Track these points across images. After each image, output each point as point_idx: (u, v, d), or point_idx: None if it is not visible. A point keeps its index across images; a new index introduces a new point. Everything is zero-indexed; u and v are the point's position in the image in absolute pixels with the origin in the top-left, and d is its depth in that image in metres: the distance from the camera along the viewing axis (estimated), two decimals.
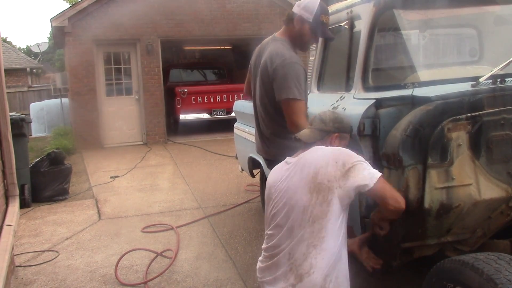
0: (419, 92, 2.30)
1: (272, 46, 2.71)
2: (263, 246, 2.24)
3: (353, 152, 2.09)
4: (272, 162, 2.82)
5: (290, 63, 2.57)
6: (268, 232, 2.20)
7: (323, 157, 2.08)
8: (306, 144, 2.23)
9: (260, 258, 2.26)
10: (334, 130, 2.25)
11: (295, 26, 2.69)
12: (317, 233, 2.02)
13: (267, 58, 2.65)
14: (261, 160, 4.08)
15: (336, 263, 2.04)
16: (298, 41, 2.72)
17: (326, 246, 2.02)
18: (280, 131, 2.71)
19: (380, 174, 2.02)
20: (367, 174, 2.00)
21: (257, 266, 2.26)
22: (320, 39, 3.10)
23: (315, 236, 2.02)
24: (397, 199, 2.03)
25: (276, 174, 2.25)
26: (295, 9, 2.70)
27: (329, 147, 2.17)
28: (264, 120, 2.81)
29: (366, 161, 2.08)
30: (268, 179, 2.32)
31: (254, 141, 4.18)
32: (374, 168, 2.07)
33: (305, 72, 2.67)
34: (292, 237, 2.07)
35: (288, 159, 2.25)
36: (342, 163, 2.03)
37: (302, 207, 2.05)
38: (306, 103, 2.69)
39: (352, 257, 2.38)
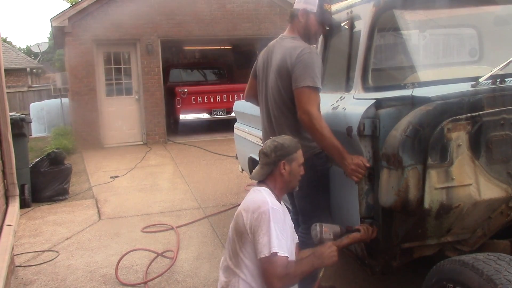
0: (419, 92, 2.30)
1: (286, 43, 2.72)
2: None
3: (269, 212, 2.12)
4: None
5: (310, 52, 2.59)
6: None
7: (251, 202, 2.22)
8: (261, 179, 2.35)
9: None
10: (279, 159, 2.29)
11: (300, 20, 2.72)
12: (235, 262, 2.21)
13: (285, 54, 2.64)
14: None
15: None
16: (307, 34, 2.74)
17: (244, 276, 2.19)
18: (296, 127, 2.69)
19: (269, 253, 2.06)
20: (260, 246, 2.09)
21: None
22: (320, 40, 3.10)
23: (234, 263, 2.22)
24: (268, 284, 2.10)
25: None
26: (297, 5, 2.74)
27: (262, 195, 2.22)
28: (278, 119, 2.76)
29: (274, 228, 2.09)
30: None
31: (255, 142, 4.20)
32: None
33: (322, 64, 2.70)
34: (225, 254, 2.31)
35: (255, 187, 2.38)
36: (255, 218, 2.13)
37: (230, 237, 2.27)
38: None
39: (351, 256, 2.39)
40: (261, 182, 2.34)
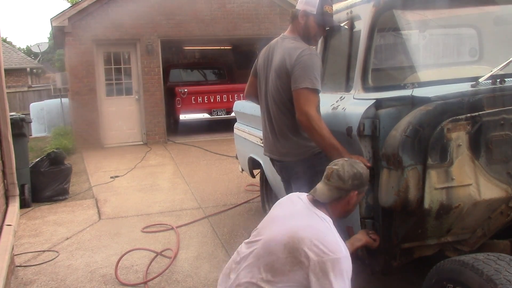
0: (419, 92, 2.30)
1: (286, 43, 2.72)
2: (235, 254, 2.22)
3: (345, 260, 1.93)
4: (284, 164, 2.80)
5: (310, 53, 2.58)
6: (243, 245, 2.19)
7: (323, 236, 1.95)
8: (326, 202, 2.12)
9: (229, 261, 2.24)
10: (353, 188, 2.11)
11: (300, 21, 2.71)
12: (270, 281, 1.97)
13: (285, 54, 2.64)
14: (261, 161, 4.09)
15: None
16: (307, 35, 2.73)
17: None
18: (295, 127, 2.69)
19: None
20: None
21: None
22: (320, 39, 3.10)
23: (267, 281, 1.97)
24: None
25: (289, 199, 2.26)
26: (298, 6, 2.73)
27: (336, 236, 1.99)
28: (278, 119, 2.76)
29: (348, 277, 1.93)
30: (284, 198, 2.32)
31: (255, 142, 4.20)
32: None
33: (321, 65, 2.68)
34: (248, 267, 2.05)
35: (303, 197, 2.19)
36: (324, 261, 1.89)
37: (271, 250, 2.00)
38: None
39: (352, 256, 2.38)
40: (321, 203, 2.12)
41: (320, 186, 2.16)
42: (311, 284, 1.90)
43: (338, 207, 2.14)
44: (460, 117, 2.09)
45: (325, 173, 2.17)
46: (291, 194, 2.33)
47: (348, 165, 2.14)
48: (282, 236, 2.00)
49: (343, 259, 1.92)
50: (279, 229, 2.06)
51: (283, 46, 2.72)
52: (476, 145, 2.11)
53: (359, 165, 2.16)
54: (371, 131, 2.31)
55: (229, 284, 2.09)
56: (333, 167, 2.15)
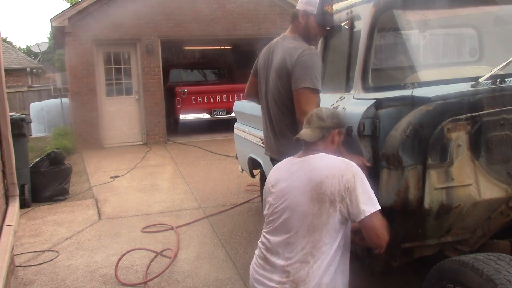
0: (419, 92, 2.30)
1: (286, 43, 2.72)
2: (260, 246, 2.20)
3: (359, 171, 2.02)
4: None
5: (310, 53, 2.58)
6: (266, 235, 2.18)
7: (331, 167, 2.04)
8: (308, 144, 2.19)
9: (256, 253, 2.22)
10: (334, 126, 2.22)
11: (301, 21, 2.71)
12: (315, 243, 2.00)
13: (286, 54, 2.64)
14: (261, 160, 4.09)
15: (333, 272, 2.02)
16: (307, 35, 2.73)
17: (324, 256, 2.00)
18: (295, 127, 2.68)
19: (375, 208, 1.96)
20: (361, 205, 1.95)
21: (252, 263, 2.23)
22: (320, 39, 3.10)
23: (313, 246, 2.00)
24: (380, 239, 2.00)
25: (279, 172, 2.22)
26: (298, 6, 2.73)
27: (339, 158, 2.10)
28: (278, 118, 2.76)
29: (368, 185, 2.00)
30: (269, 176, 2.28)
31: (255, 142, 4.20)
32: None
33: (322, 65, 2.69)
34: (289, 244, 2.05)
35: (292, 159, 2.22)
36: (347, 181, 1.97)
37: (302, 213, 2.03)
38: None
39: (351, 256, 2.38)
40: (308, 148, 2.18)
41: (303, 130, 2.24)
42: (348, 210, 1.97)
43: (325, 147, 2.19)
44: (460, 117, 2.09)
45: (305, 120, 2.27)
46: (278, 164, 2.30)
47: (324, 108, 2.31)
48: (303, 195, 2.04)
49: (355, 167, 2.02)
50: (297, 193, 2.07)
51: (283, 46, 2.72)
52: (476, 145, 2.12)
53: (335, 109, 2.31)
54: (371, 131, 2.31)
55: (275, 270, 2.07)
56: (312, 112, 2.28)
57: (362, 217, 1.94)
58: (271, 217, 2.15)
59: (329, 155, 2.13)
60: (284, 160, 2.26)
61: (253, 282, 2.18)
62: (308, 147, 2.20)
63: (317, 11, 2.65)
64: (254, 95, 3.08)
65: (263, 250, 2.16)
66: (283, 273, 2.04)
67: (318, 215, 2.00)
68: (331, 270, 2.02)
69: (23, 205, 5.34)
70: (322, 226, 1.99)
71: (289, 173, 2.15)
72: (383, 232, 1.99)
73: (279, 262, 2.06)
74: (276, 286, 2.05)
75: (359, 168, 2.04)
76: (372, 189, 2.31)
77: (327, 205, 1.99)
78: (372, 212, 1.94)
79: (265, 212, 2.23)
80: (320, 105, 2.62)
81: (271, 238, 2.13)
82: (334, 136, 2.23)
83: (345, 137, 2.34)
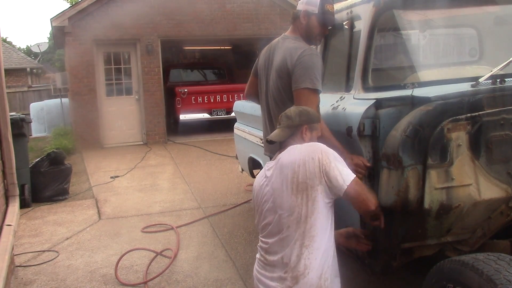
0: (419, 92, 2.30)
1: (287, 43, 2.72)
2: (259, 249, 2.26)
3: (326, 148, 2.11)
4: None
5: (311, 54, 2.59)
6: (262, 239, 2.24)
7: (299, 155, 2.11)
8: (281, 144, 2.28)
9: (257, 256, 2.28)
10: (302, 123, 2.25)
11: (302, 22, 2.71)
12: (308, 233, 2.05)
13: (286, 54, 2.65)
14: (261, 160, 4.09)
15: (328, 261, 2.08)
16: (308, 35, 2.73)
17: (318, 245, 2.05)
18: None
19: (353, 176, 2.06)
20: (339, 178, 2.03)
21: (255, 266, 2.28)
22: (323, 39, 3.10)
23: (306, 235, 2.05)
24: (368, 202, 2.09)
25: (259, 178, 2.30)
26: (299, 6, 2.73)
27: (304, 144, 2.19)
28: (277, 118, 2.77)
29: (339, 159, 2.10)
30: (253, 188, 2.36)
31: (255, 142, 4.20)
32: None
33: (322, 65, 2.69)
34: (284, 241, 2.10)
35: (266, 165, 2.30)
36: (318, 160, 2.06)
37: (289, 209, 2.08)
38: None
39: (351, 256, 2.38)
40: (282, 147, 2.27)
41: (274, 132, 2.32)
42: (329, 187, 2.04)
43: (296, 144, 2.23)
44: (460, 117, 2.09)
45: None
46: (259, 174, 2.38)
47: (293, 107, 2.35)
48: (285, 192, 2.10)
49: (321, 146, 2.12)
50: (279, 193, 2.13)
51: (284, 46, 2.72)
52: (476, 145, 2.12)
53: (304, 107, 2.34)
54: (371, 131, 2.31)
55: (275, 267, 2.12)
56: (282, 113, 2.33)
57: (344, 189, 2.03)
58: (263, 222, 2.22)
59: (296, 145, 2.19)
60: (263, 169, 2.34)
61: (257, 283, 2.23)
62: (281, 147, 2.28)
63: (318, 10, 2.65)
64: (254, 95, 3.08)
65: (262, 253, 2.22)
66: (282, 269, 2.09)
67: (304, 204, 2.06)
68: (326, 260, 2.07)
69: (23, 205, 5.34)
70: (310, 214, 2.06)
71: (267, 179, 2.22)
72: (368, 195, 2.10)
73: (277, 259, 2.11)
74: (278, 284, 2.09)
75: (325, 146, 2.14)
76: (372, 189, 2.32)
77: (308, 192, 2.05)
78: (350, 180, 2.04)
79: (256, 221, 2.30)
80: (320, 105, 2.63)
81: (267, 240, 2.19)
82: (303, 132, 2.26)
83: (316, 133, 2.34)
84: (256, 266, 2.27)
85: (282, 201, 2.11)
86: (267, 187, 2.19)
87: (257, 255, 2.28)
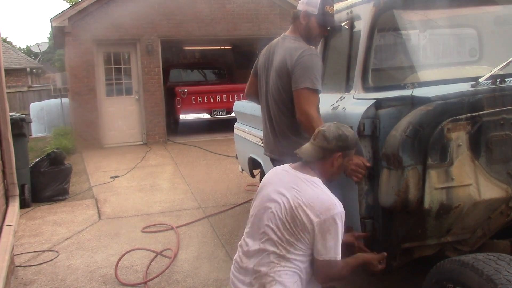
0: (419, 92, 2.30)
1: (287, 43, 2.72)
2: (238, 248, 2.31)
3: (338, 214, 2.05)
4: (284, 164, 2.80)
5: (310, 54, 2.59)
6: (245, 238, 2.27)
7: (315, 200, 2.07)
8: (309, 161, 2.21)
9: (235, 257, 2.32)
10: (337, 149, 2.16)
11: (302, 22, 2.72)
12: (285, 254, 2.09)
13: (286, 54, 2.65)
14: (261, 160, 4.09)
15: (298, 283, 2.11)
16: (308, 36, 2.73)
17: (291, 264, 2.09)
18: (295, 127, 2.69)
19: (330, 258, 2.05)
20: (323, 250, 2.04)
21: (232, 266, 2.32)
22: (321, 40, 3.10)
23: (283, 256, 2.09)
24: (323, 282, 2.16)
25: (272, 176, 2.30)
26: (300, 6, 2.74)
27: (326, 192, 2.12)
28: (278, 118, 2.76)
29: (340, 235, 2.06)
30: (264, 177, 2.35)
31: (255, 142, 4.20)
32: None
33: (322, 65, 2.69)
34: (261, 251, 2.14)
35: (288, 167, 2.27)
36: (321, 222, 2.03)
37: (276, 225, 2.10)
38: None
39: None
40: (306, 165, 2.21)
41: (306, 146, 2.23)
42: (312, 244, 2.07)
43: (323, 169, 2.19)
44: (460, 117, 2.09)
45: (313, 134, 2.25)
46: (275, 168, 2.37)
47: (334, 127, 2.20)
48: (282, 210, 2.10)
49: (339, 215, 2.05)
50: (277, 204, 2.14)
51: (284, 46, 2.72)
52: (476, 145, 2.12)
53: (346, 129, 2.20)
54: (371, 131, 2.31)
55: (247, 272, 2.17)
56: (321, 128, 2.23)
57: (319, 258, 2.07)
58: (251, 218, 2.25)
59: (320, 185, 2.14)
60: (283, 166, 2.32)
61: (231, 284, 2.28)
62: (307, 162, 2.22)
63: (318, 11, 2.66)
64: (254, 95, 3.08)
65: (240, 254, 2.26)
66: (253, 275, 2.14)
67: (291, 232, 2.08)
68: (297, 282, 2.10)
69: (23, 205, 5.34)
70: (293, 243, 2.08)
71: (279, 179, 2.22)
72: (325, 279, 2.15)
73: (251, 265, 2.16)
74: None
75: (341, 212, 2.06)
76: (372, 189, 2.32)
77: (298, 229, 2.07)
78: (326, 259, 2.05)
79: (250, 213, 2.31)
80: (320, 105, 2.63)
81: (248, 240, 2.23)
82: (335, 159, 2.18)
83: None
84: (232, 267, 2.30)
85: (275, 215, 2.12)
86: (270, 188, 2.21)
87: (235, 256, 2.31)
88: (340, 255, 2.07)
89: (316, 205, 2.04)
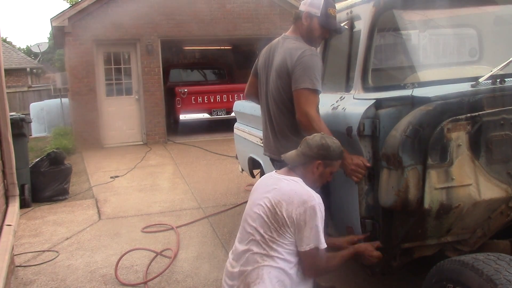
0: (419, 92, 2.30)
1: (287, 44, 2.72)
2: (230, 255, 2.38)
3: (317, 206, 2.13)
4: (284, 164, 2.80)
5: (311, 54, 2.59)
6: (236, 242, 2.34)
7: (293, 194, 2.16)
8: (292, 165, 2.32)
9: (227, 263, 2.38)
10: (317, 157, 2.25)
11: (303, 23, 2.71)
12: (269, 252, 2.15)
13: (286, 54, 2.65)
14: (261, 160, 4.09)
15: (284, 282, 2.15)
16: (309, 37, 2.73)
17: (276, 264, 2.14)
18: (295, 127, 2.69)
19: (315, 245, 2.11)
20: (306, 240, 2.11)
21: (224, 272, 2.38)
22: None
23: (267, 254, 2.15)
24: (311, 271, 2.22)
25: (260, 182, 2.39)
26: (302, 7, 2.73)
27: (304, 188, 2.21)
28: (278, 118, 2.77)
29: (319, 222, 2.12)
30: (254, 185, 2.43)
31: (255, 142, 4.20)
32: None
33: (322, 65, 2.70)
34: (247, 251, 2.21)
35: (274, 173, 2.37)
36: (300, 213, 2.11)
37: (261, 225, 2.18)
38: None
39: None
40: (291, 169, 2.32)
41: (291, 151, 2.35)
42: (294, 236, 2.14)
43: (305, 174, 2.28)
44: (460, 117, 2.09)
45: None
46: (263, 176, 2.48)
47: (319, 136, 2.31)
48: (265, 210, 2.19)
49: (317, 206, 2.13)
50: (261, 206, 2.22)
51: (284, 46, 2.72)
52: (476, 145, 2.12)
53: (331, 140, 2.29)
54: (371, 131, 2.31)
55: (234, 276, 2.23)
56: (307, 137, 2.34)
57: (302, 249, 2.13)
58: (242, 223, 2.33)
59: (300, 183, 2.23)
60: (269, 173, 2.41)
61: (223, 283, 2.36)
62: (291, 168, 2.33)
63: (321, 13, 2.65)
64: (254, 95, 3.08)
65: (231, 259, 2.33)
66: (239, 277, 2.20)
67: (273, 230, 2.16)
68: (281, 280, 2.15)
69: (23, 205, 5.34)
70: (276, 240, 2.15)
71: (263, 185, 2.32)
72: (312, 271, 2.20)
73: (238, 270, 2.22)
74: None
75: (319, 204, 2.15)
76: (372, 189, 2.32)
77: (279, 225, 2.15)
78: (310, 249, 2.12)
79: (244, 214, 2.38)
80: (320, 106, 2.63)
81: (237, 245, 2.30)
82: (315, 166, 2.27)
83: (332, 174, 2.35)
84: (224, 274, 2.36)
85: (259, 215, 2.20)
86: (257, 192, 2.31)
87: (227, 262, 2.37)
88: (323, 244, 2.14)
89: (295, 199, 2.14)
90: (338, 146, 2.29)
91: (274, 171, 2.42)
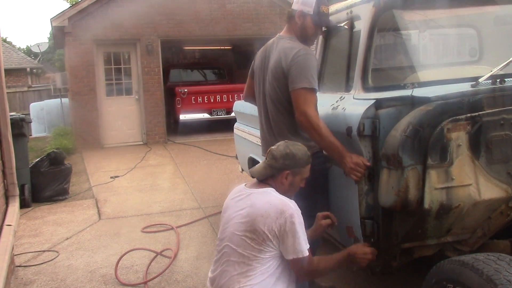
0: (419, 92, 2.30)
1: (282, 43, 2.72)
2: (208, 282, 2.39)
3: (295, 212, 2.09)
4: None
5: (305, 53, 2.58)
6: (212, 266, 2.34)
7: (268, 206, 2.10)
8: (260, 179, 2.27)
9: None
10: (284, 168, 2.21)
11: (297, 22, 2.71)
12: (245, 271, 2.11)
13: (281, 55, 2.64)
14: (261, 161, 4.08)
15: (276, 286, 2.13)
16: (303, 36, 2.73)
17: (252, 282, 2.10)
18: (294, 127, 2.69)
19: (298, 256, 2.08)
20: (291, 249, 2.08)
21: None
22: (320, 39, 3.10)
23: (243, 273, 2.11)
24: (303, 278, 2.25)
25: (229, 199, 2.32)
26: (294, 6, 2.73)
27: (278, 197, 2.16)
28: (276, 119, 2.76)
29: (300, 229, 2.08)
30: (225, 202, 2.36)
31: (255, 142, 4.20)
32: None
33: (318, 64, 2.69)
34: (224, 272, 2.19)
35: (243, 187, 2.31)
36: (280, 224, 2.06)
37: (237, 243, 2.14)
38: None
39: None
40: (260, 182, 2.28)
41: (258, 165, 2.30)
42: (280, 248, 2.11)
43: (276, 186, 2.24)
44: (460, 117, 2.09)
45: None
46: (232, 191, 2.38)
47: (284, 145, 2.25)
48: (240, 226, 2.14)
49: (294, 213, 2.09)
50: (234, 224, 2.18)
51: (279, 47, 2.72)
52: (476, 145, 2.12)
53: (296, 147, 2.25)
54: (371, 131, 2.30)
55: None
56: (272, 147, 2.28)
57: (289, 258, 2.10)
58: (217, 246, 2.30)
59: (273, 193, 2.18)
60: (238, 187, 2.34)
61: None
62: (260, 181, 2.27)
63: (313, 11, 2.65)
64: (252, 97, 3.08)
65: (208, 284, 2.36)
66: None
67: (251, 247, 2.10)
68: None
69: (23, 205, 5.34)
70: (254, 257, 2.10)
71: (235, 202, 2.25)
72: (301, 276, 2.21)
73: (213, 282, 2.26)
74: None
75: (296, 210, 2.10)
76: (372, 189, 2.32)
77: (260, 241, 2.09)
78: (294, 258, 2.08)
79: (219, 234, 2.34)
80: (320, 106, 2.63)
81: (213, 267, 2.32)
82: (283, 177, 2.23)
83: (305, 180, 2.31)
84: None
85: (233, 233, 2.16)
86: (229, 211, 2.25)
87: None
88: (306, 251, 2.10)
89: (271, 211, 2.08)
90: (304, 152, 2.26)
91: (244, 184, 2.35)
